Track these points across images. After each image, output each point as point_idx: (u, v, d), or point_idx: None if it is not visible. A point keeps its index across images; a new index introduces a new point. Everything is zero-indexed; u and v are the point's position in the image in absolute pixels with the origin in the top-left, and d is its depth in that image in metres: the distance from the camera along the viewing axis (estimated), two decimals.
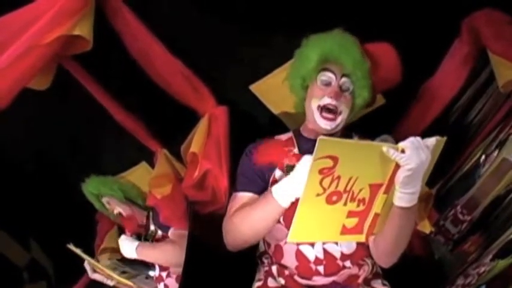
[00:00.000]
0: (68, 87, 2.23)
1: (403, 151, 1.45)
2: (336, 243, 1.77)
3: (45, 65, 1.91)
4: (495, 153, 2.15)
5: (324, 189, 1.45)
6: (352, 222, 1.59)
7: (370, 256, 1.86)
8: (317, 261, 1.76)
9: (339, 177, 1.44)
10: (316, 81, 1.86)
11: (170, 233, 2.37)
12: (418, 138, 1.47)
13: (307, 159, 1.57)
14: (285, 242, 1.80)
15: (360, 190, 1.51)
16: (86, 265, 2.33)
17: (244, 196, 1.85)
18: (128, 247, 2.29)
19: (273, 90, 2.23)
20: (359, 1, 2.16)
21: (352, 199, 1.52)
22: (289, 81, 1.98)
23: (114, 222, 2.82)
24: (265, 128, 2.38)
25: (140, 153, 2.63)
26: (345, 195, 1.50)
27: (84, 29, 1.88)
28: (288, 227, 1.64)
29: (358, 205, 1.55)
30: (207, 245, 2.14)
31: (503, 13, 2.08)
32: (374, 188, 1.53)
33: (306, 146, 1.85)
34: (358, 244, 1.80)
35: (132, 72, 2.20)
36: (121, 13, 2.08)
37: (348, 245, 1.79)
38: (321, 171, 1.40)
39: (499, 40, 2.01)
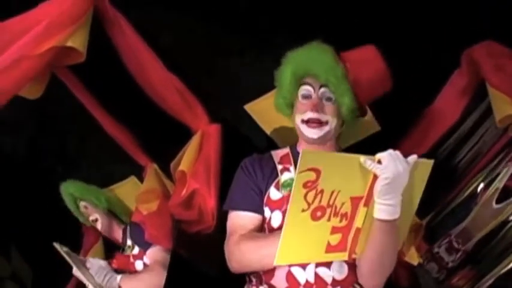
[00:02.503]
0: (62, 96, 2.22)
1: (380, 162, 1.44)
2: (329, 268, 1.71)
3: (37, 75, 1.90)
4: (491, 186, 2.13)
5: (309, 204, 1.43)
6: (336, 238, 1.55)
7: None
8: (307, 285, 1.70)
9: (322, 191, 1.42)
10: (298, 97, 1.85)
11: (149, 253, 2.33)
12: (397, 152, 1.46)
13: None
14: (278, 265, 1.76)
15: (342, 204, 1.49)
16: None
17: (246, 216, 1.81)
18: (109, 280, 2.25)
19: (267, 110, 2.19)
20: (359, 28, 2.17)
21: (335, 214, 1.49)
22: (275, 103, 1.97)
23: (99, 236, 2.78)
24: (259, 148, 2.34)
25: (131, 167, 2.61)
26: (328, 210, 1.47)
27: (77, 41, 1.87)
28: None
29: (341, 220, 1.52)
30: (191, 263, 2.13)
31: (504, 46, 2.06)
32: (355, 201, 1.51)
33: None
34: (350, 269, 1.74)
35: (126, 85, 2.19)
36: (119, 26, 2.08)
37: (339, 270, 1.72)
38: (305, 185, 1.38)
39: (498, 73, 1.99)
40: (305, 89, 1.82)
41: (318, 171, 1.37)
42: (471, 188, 2.22)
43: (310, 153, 1.38)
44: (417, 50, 2.16)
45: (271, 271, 1.74)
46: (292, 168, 1.86)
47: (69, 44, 1.85)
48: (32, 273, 2.78)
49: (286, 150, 1.97)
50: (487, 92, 2.06)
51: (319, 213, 1.46)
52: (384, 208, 1.49)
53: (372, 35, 2.10)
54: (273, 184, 1.83)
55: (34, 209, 2.59)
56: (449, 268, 2.24)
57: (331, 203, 1.46)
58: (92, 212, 2.61)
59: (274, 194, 1.81)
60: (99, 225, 2.61)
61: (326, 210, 1.46)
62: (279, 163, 1.90)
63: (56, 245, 2.18)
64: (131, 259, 2.41)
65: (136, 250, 2.41)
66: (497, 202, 2.10)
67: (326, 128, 1.79)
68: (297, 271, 1.71)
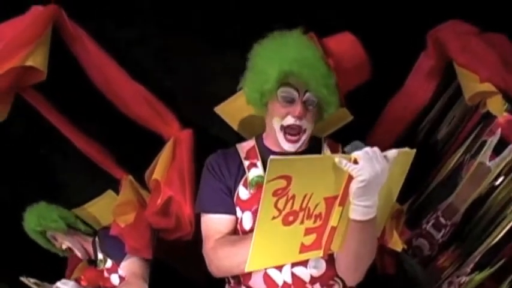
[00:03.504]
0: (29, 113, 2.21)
1: (356, 161, 1.38)
2: (305, 266, 1.70)
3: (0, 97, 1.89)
4: (469, 162, 2.12)
5: (280, 211, 1.39)
6: (310, 239, 1.53)
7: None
8: (285, 285, 1.69)
9: (293, 197, 1.37)
10: (276, 97, 1.73)
11: (123, 266, 2.27)
12: (375, 149, 1.39)
13: None
14: None
15: (316, 205, 1.45)
16: None
17: (219, 219, 1.78)
18: None
19: (237, 111, 2.20)
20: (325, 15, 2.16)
21: (309, 216, 1.46)
22: (246, 94, 1.85)
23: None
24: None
25: (107, 181, 2.58)
26: (301, 214, 1.43)
27: (37, 60, 1.88)
28: None
29: (315, 221, 1.48)
30: (174, 270, 2.12)
31: (469, 24, 2.05)
32: (329, 201, 1.46)
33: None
34: (328, 264, 1.73)
35: (94, 99, 2.18)
36: (81, 41, 2.08)
37: (317, 266, 1.71)
38: (274, 193, 1.34)
39: (464, 52, 1.97)
40: (288, 91, 1.71)
41: (288, 178, 1.32)
42: (450, 167, 2.21)
43: (278, 161, 1.29)
44: (382, 34, 2.14)
45: (248, 273, 1.73)
46: (259, 163, 1.81)
47: (29, 63, 1.85)
48: None
49: (252, 142, 1.92)
50: (453, 74, 2.05)
51: (291, 218, 1.43)
52: (360, 209, 1.44)
53: (335, 20, 2.11)
54: (241, 182, 1.80)
55: (13, 233, 2.55)
56: (440, 244, 2.23)
57: (303, 206, 1.42)
58: (60, 240, 2.54)
59: (243, 192, 1.79)
60: (77, 253, 2.54)
61: (299, 214, 1.43)
62: (245, 158, 1.85)
63: (23, 279, 2.10)
64: (105, 273, 2.36)
65: (109, 263, 2.35)
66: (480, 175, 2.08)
67: (303, 137, 1.76)
68: (273, 273, 1.71)
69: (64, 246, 2.54)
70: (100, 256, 2.42)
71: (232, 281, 1.84)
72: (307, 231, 1.50)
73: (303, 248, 1.53)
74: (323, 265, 1.72)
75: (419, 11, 2.17)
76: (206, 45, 2.26)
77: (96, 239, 2.49)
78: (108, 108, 2.21)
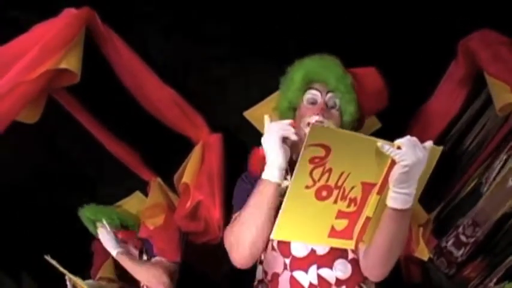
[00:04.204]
0: (64, 115, 2.24)
1: (399, 148, 1.36)
2: (331, 268, 1.70)
3: (33, 99, 1.91)
4: (497, 173, 2.11)
5: (314, 182, 1.36)
6: (341, 224, 1.49)
7: (367, 282, 1.81)
8: (311, 287, 1.69)
9: (330, 170, 1.35)
10: (302, 101, 1.88)
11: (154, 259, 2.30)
12: (415, 138, 1.40)
13: (270, 125, 1.58)
14: (282, 271, 1.75)
15: (352, 188, 1.42)
16: (67, 280, 2.27)
17: None
18: (111, 243, 2.31)
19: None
20: (355, 26, 2.16)
21: (343, 197, 1.42)
22: (278, 107, 2.00)
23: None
24: None
25: (136, 182, 2.61)
26: (335, 192, 1.40)
27: (71, 62, 1.89)
28: (284, 255, 1.67)
29: (349, 205, 1.45)
30: (200, 274, 2.12)
31: (500, 34, 2.04)
32: (367, 187, 1.43)
33: None
34: (354, 269, 1.73)
35: (125, 101, 2.20)
36: (113, 44, 2.10)
37: (343, 269, 1.72)
38: (311, 160, 1.31)
39: (495, 62, 1.97)
40: (312, 93, 1.86)
41: (327, 149, 1.30)
42: (476, 179, 2.20)
43: (319, 127, 1.31)
44: (414, 43, 2.14)
45: (275, 279, 1.75)
46: (289, 177, 1.79)
47: (63, 66, 1.87)
48: None
49: None
50: (485, 81, 2.04)
51: (324, 193, 1.40)
52: (399, 197, 1.43)
53: (367, 30, 2.11)
54: None
55: (43, 231, 2.60)
56: (458, 263, 2.22)
57: (339, 184, 1.39)
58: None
59: None
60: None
61: (333, 191, 1.40)
62: None
63: (48, 258, 2.16)
64: None
65: (144, 258, 2.42)
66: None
67: None
68: (299, 275, 1.71)
69: None
70: (144, 257, 2.45)
71: (260, 287, 1.86)
72: (340, 215, 1.46)
73: (333, 233, 1.50)
74: (349, 268, 1.73)
75: (450, 20, 2.15)
76: (239, 51, 2.27)
77: (144, 244, 2.52)
78: (138, 111, 2.23)
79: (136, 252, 2.51)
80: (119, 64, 2.12)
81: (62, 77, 1.96)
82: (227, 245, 1.73)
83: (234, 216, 1.83)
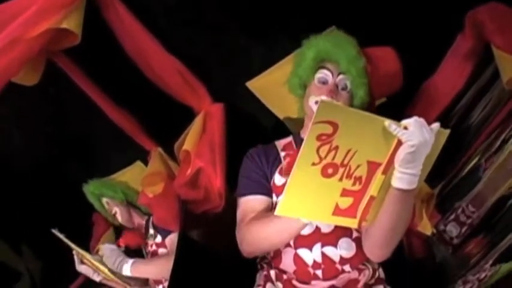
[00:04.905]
0: (62, 82, 2.22)
1: (405, 128, 1.37)
2: (335, 246, 1.73)
3: (32, 60, 1.89)
4: (501, 150, 2.08)
5: (320, 159, 1.35)
6: (346, 202, 1.48)
7: (370, 260, 1.79)
8: (315, 265, 1.72)
9: (336, 148, 1.35)
10: (313, 80, 1.89)
11: (167, 240, 2.32)
12: (422, 119, 1.40)
13: None
14: (285, 248, 1.77)
15: (358, 166, 1.42)
16: (75, 255, 2.26)
17: (255, 199, 1.82)
18: (120, 258, 2.20)
19: (269, 86, 2.19)
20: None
21: (349, 176, 1.42)
22: (288, 82, 2.02)
23: (110, 224, 2.80)
24: (263, 126, 2.38)
25: (136, 151, 2.61)
26: (341, 170, 1.40)
27: (72, 23, 1.87)
28: None
29: (354, 183, 1.45)
30: (200, 245, 2.11)
31: (508, 6, 2.02)
32: (372, 166, 1.44)
33: None
34: (358, 248, 1.75)
35: (126, 69, 2.18)
36: (114, 8, 2.06)
37: (347, 247, 1.74)
38: (319, 138, 1.31)
39: (503, 34, 1.94)
40: (323, 72, 1.87)
41: (335, 125, 1.30)
42: (480, 155, 2.18)
43: (328, 104, 1.30)
44: (419, 16, 2.12)
45: (278, 256, 1.79)
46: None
47: (64, 25, 1.85)
48: (42, 268, 2.79)
49: (289, 138, 2.00)
50: (492, 54, 2.01)
51: (330, 171, 1.39)
52: (404, 177, 1.42)
53: (370, 2, 2.09)
54: (277, 170, 1.85)
55: (42, 201, 2.59)
56: (454, 244, 2.20)
57: (345, 162, 1.39)
58: (112, 206, 2.65)
59: (278, 179, 1.84)
60: (119, 218, 2.64)
61: (339, 168, 1.39)
62: (282, 150, 1.93)
63: (55, 231, 2.14)
64: (154, 247, 2.40)
65: (159, 238, 2.40)
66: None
67: None
68: (303, 252, 1.74)
69: (112, 212, 2.66)
70: (151, 231, 2.46)
71: (265, 266, 1.88)
72: (344, 193, 1.46)
73: (337, 211, 1.49)
74: (353, 246, 1.75)
75: None
76: (245, 24, 2.26)
77: (150, 218, 2.54)
78: (139, 79, 2.20)
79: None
80: (121, 29, 2.09)
81: (61, 39, 1.93)
82: (240, 237, 1.79)
83: (241, 201, 1.87)
